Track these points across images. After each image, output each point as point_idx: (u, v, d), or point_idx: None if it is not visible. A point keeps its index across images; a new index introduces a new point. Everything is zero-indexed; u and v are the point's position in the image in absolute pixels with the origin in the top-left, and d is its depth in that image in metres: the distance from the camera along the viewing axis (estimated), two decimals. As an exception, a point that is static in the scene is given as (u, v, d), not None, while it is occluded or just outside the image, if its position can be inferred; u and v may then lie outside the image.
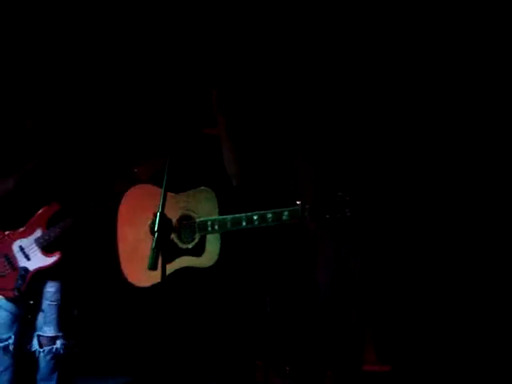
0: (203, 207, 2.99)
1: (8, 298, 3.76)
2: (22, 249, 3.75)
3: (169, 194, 2.79)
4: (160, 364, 2.86)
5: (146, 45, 4.85)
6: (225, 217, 2.90)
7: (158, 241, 2.70)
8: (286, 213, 2.80)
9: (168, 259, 2.92)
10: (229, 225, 2.88)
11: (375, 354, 4.66)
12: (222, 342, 3.01)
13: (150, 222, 3.00)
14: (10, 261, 3.76)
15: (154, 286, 3.02)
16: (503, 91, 4.40)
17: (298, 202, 2.74)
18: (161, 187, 2.86)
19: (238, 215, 2.87)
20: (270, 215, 2.81)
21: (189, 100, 3.19)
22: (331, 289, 4.52)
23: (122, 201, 3.22)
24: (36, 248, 3.74)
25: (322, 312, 4.53)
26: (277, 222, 2.80)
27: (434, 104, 4.52)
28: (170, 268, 2.97)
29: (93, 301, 4.86)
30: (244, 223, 2.85)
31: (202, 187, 3.03)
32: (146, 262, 2.76)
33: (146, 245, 3.03)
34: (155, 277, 2.88)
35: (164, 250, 2.78)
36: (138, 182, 3.53)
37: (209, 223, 2.93)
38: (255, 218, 2.84)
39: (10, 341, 3.79)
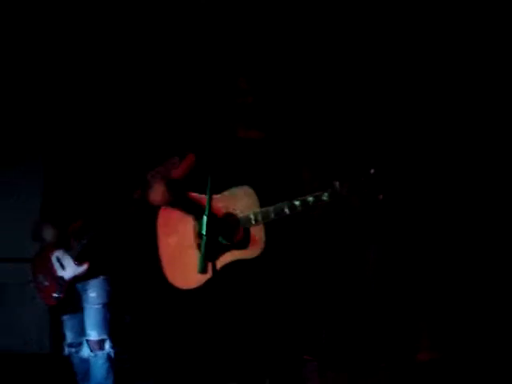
0: (243, 203, 2.98)
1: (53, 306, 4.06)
2: (58, 259, 3.99)
3: (206, 196, 2.82)
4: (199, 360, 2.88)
5: (166, 41, 4.87)
6: (267, 208, 2.90)
7: (207, 244, 2.71)
8: (326, 194, 2.80)
9: (215, 256, 2.95)
10: (272, 214, 2.88)
11: (429, 342, 4.62)
12: (271, 337, 2.98)
13: (193, 227, 3.00)
14: (50, 271, 4.01)
15: (202, 288, 3.02)
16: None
17: (336, 182, 2.75)
18: (195, 192, 2.88)
19: (279, 204, 2.87)
20: (310, 198, 2.82)
21: (218, 98, 3.19)
22: (381, 280, 4.51)
23: (159, 214, 3.24)
24: (69, 258, 3.95)
25: (373, 303, 4.50)
26: (318, 203, 2.81)
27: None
28: (219, 263, 2.98)
29: (145, 308, 4.92)
30: (287, 210, 2.85)
31: (239, 186, 3.02)
32: (190, 265, 2.77)
33: (188, 250, 3.02)
34: (200, 278, 2.90)
35: (212, 251, 2.79)
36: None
37: (251, 216, 2.93)
38: (297, 203, 2.84)
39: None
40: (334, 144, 4.40)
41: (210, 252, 2.74)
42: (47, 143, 4.23)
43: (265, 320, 2.97)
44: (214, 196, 2.97)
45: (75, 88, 4.63)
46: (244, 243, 2.95)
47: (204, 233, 2.70)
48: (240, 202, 2.99)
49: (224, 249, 2.98)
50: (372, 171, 2.71)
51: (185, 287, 3.09)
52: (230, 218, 2.98)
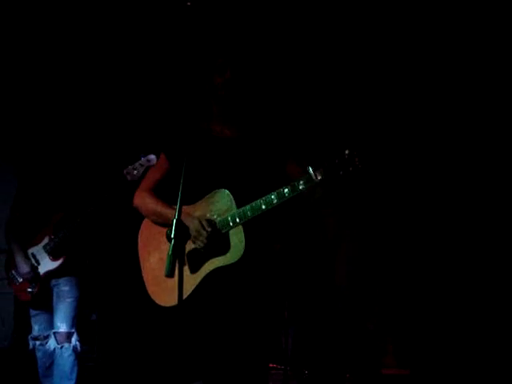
0: (220, 206, 2.88)
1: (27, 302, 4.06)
2: (33, 256, 4.04)
3: (184, 206, 2.75)
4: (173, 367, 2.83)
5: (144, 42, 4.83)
6: (243, 208, 2.82)
7: (174, 247, 2.62)
8: (301, 182, 2.70)
9: (195, 268, 2.90)
10: (249, 213, 2.79)
11: (394, 357, 4.63)
12: (238, 344, 2.92)
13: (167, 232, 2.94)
14: None
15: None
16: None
17: (309, 168, 2.69)
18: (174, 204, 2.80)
19: (255, 201, 2.78)
20: (286, 190, 2.72)
21: (191, 95, 3.12)
22: (350, 291, 4.51)
23: (141, 227, 3.14)
24: (45, 254, 4.00)
25: (340, 315, 4.50)
26: (295, 193, 2.70)
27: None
28: (200, 275, 2.90)
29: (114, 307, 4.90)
30: (264, 206, 2.76)
31: (215, 190, 2.97)
32: (172, 282, 2.68)
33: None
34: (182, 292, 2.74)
35: (182, 257, 2.72)
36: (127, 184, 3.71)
37: (229, 219, 2.83)
38: (273, 197, 2.75)
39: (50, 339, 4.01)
40: (306, 130, 4.40)
41: (177, 255, 2.67)
42: (22, 141, 4.26)
43: (236, 326, 2.90)
44: (191, 205, 2.93)
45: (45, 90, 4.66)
46: (223, 249, 2.87)
47: (172, 236, 2.60)
48: (216, 205, 2.90)
49: (203, 258, 2.90)
50: (347, 152, 2.66)
51: (168, 305, 2.93)
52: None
